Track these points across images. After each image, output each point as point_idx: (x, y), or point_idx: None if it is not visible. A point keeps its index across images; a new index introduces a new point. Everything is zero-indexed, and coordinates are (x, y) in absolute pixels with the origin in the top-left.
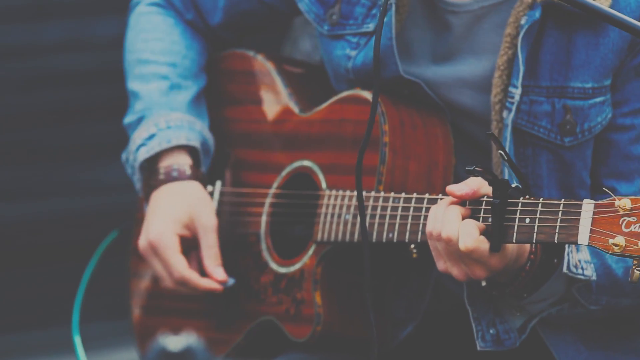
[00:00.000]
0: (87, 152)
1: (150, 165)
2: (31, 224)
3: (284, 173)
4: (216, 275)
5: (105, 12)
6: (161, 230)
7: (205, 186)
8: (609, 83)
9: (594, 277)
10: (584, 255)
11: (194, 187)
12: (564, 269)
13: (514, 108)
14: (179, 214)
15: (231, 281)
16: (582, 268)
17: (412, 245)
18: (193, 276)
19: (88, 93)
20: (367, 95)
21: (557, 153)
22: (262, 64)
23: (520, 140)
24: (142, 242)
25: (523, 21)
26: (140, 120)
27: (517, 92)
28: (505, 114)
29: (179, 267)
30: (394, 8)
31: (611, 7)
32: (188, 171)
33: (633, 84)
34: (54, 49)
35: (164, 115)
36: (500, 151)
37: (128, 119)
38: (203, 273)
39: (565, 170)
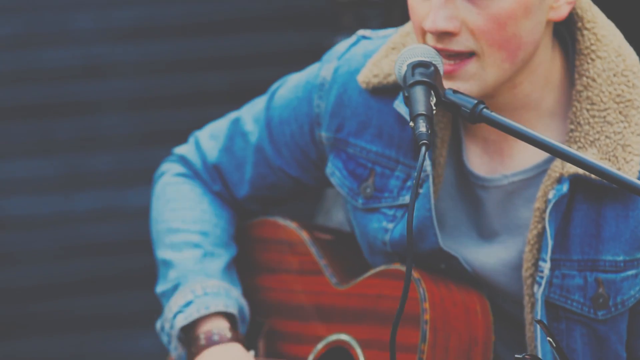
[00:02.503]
0: (122, 322)
1: (188, 332)
2: None
3: (320, 346)
4: None
5: (137, 182)
6: None
7: (247, 349)
8: None
9: None
10: None
11: (237, 348)
12: None
13: (543, 282)
14: None
15: None
16: None
17: None
18: None
19: (120, 262)
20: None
21: (591, 327)
22: (296, 232)
23: (553, 315)
24: None
25: (551, 195)
26: (175, 287)
27: (546, 267)
28: (535, 288)
29: None
30: (430, 179)
31: (639, 179)
32: (229, 334)
33: None
34: (85, 219)
35: (200, 282)
36: (549, 338)
37: (161, 287)
38: None
39: (599, 344)
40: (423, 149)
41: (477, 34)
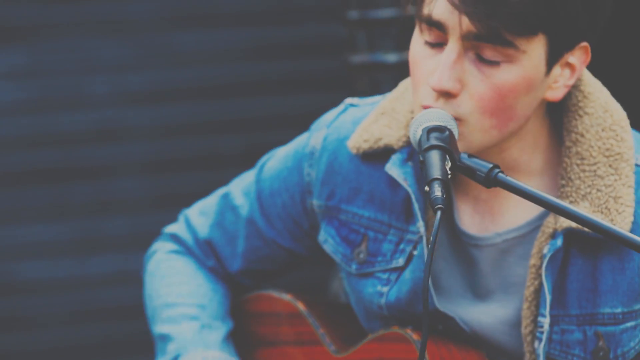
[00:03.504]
0: None
1: None
2: None
3: None
4: None
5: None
6: None
7: None
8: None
9: None
10: None
11: None
12: None
13: (544, 338)
14: None
15: None
16: None
17: None
18: None
19: (134, 326)
20: (405, 333)
21: None
22: (291, 304)
23: None
24: None
25: (545, 250)
26: (175, 359)
27: (545, 322)
28: (536, 344)
29: None
30: (424, 240)
31: (632, 230)
32: None
33: None
34: (100, 282)
35: (200, 352)
36: None
37: None
38: None
39: None
40: (439, 213)
41: (475, 99)
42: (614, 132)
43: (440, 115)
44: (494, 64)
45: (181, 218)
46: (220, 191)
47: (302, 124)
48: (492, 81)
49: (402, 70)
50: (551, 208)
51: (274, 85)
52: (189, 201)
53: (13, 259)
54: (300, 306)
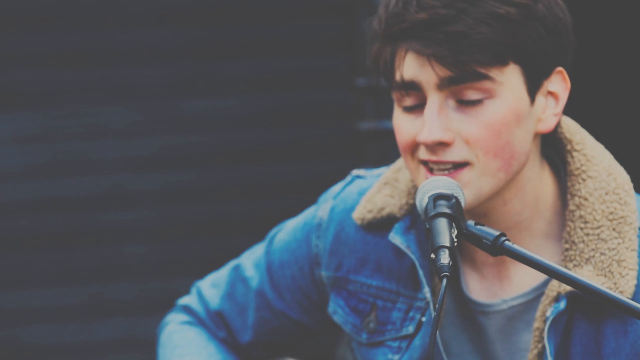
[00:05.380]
0: None
1: None
2: None
3: None
4: None
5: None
6: None
7: None
8: None
9: None
10: None
11: None
12: None
13: None
14: None
15: None
16: None
17: None
18: None
19: None
20: None
21: None
22: None
23: None
24: None
25: (548, 313)
26: None
27: None
28: None
29: None
30: (431, 307)
31: (635, 293)
32: None
33: None
34: (106, 348)
35: None
36: None
37: None
38: None
39: None
40: (444, 281)
41: (472, 142)
42: (617, 196)
43: (447, 183)
44: (476, 103)
45: (193, 290)
46: (232, 263)
47: (310, 191)
48: (480, 120)
49: None
50: (556, 276)
51: (282, 152)
52: (196, 267)
53: (19, 324)
54: None
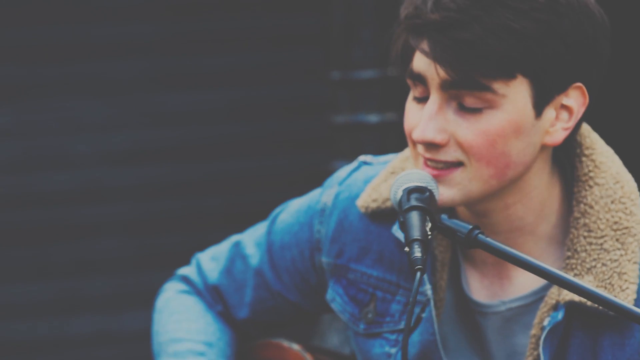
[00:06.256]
0: None
1: None
2: None
3: None
4: None
5: (133, 306)
6: None
7: None
8: None
9: None
10: None
11: None
12: None
13: None
14: None
15: None
16: None
17: None
18: None
19: None
20: None
21: None
22: (300, 355)
23: None
24: None
25: (546, 322)
26: None
27: None
28: None
29: None
30: (432, 303)
31: (635, 304)
32: None
33: None
34: (81, 343)
35: None
36: None
37: None
38: None
39: None
40: (418, 274)
41: (465, 147)
42: (623, 205)
43: (421, 176)
44: (476, 111)
45: (193, 261)
46: (233, 238)
47: (285, 184)
48: (477, 127)
49: (383, 131)
50: (532, 269)
51: (257, 145)
52: (170, 262)
53: None
54: (309, 358)
